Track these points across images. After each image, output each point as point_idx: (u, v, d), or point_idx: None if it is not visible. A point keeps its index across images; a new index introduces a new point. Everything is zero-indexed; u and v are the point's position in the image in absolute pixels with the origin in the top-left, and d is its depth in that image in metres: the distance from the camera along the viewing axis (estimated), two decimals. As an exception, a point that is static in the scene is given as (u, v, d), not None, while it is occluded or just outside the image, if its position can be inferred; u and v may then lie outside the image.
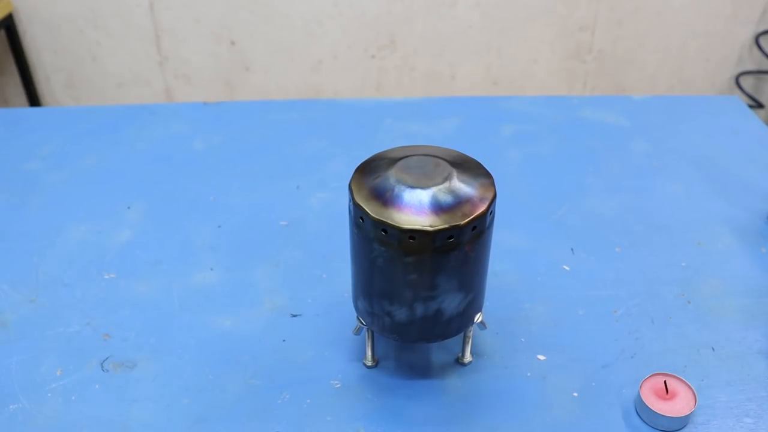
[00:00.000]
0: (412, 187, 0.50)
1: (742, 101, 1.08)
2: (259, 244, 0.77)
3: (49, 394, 0.59)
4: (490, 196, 0.51)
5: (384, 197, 0.50)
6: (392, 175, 0.51)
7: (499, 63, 2.06)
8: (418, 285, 0.51)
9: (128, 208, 0.82)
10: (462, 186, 0.50)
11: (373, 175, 0.52)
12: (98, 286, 0.71)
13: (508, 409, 0.58)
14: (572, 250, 0.76)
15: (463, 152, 0.55)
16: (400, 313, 0.54)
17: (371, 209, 0.49)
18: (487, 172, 0.53)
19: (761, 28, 2.04)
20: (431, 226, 0.48)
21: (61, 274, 0.72)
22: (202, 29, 1.96)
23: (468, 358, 0.62)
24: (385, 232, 0.49)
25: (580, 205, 0.84)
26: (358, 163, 0.55)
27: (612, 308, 0.68)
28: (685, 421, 0.56)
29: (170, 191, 0.86)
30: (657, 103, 1.07)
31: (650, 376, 0.59)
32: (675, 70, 2.12)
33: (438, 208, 0.49)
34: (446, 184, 0.50)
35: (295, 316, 0.67)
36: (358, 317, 0.59)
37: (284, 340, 0.64)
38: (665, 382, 0.58)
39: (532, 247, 0.77)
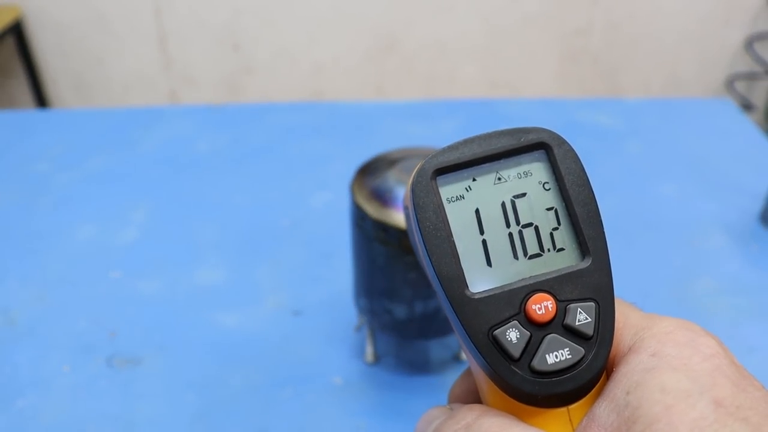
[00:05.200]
0: (411, 187, 0.50)
1: (734, 104, 1.09)
2: (263, 243, 0.78)
3: (56, 390, 0.60)
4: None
5: (384, 198, 0.50)
6: (393, 176, 0.52)
7: (497, 66, 2.08)
8: (418, 283, 0.52)
9: (134, 208, 0.84)
10: (459, 187, 0.51)
11: (373, 176, 0.53)
12: (105, 284, 0.72)
13: (505, 404, 0.59)
14: (568, 250, 0.77)
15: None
16: (400, 311, 0.55)
17: (372, 210, 0.50)
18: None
19: (752, 32, 2.05)
20: (429, 226, 0.49)
21: (68, 272, 0.73)
22: (206, 34, 1.97)
23: (466, 354, 0.63)
24: (386, 231, 0.50)
25: (576, 206, 0.85)
26: (359, 165, 0.56)
27: (606, 307, 0.69)
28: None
29: (175, 192, 0.87)
30: (651, 105, 1.09)
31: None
32: (668, 73, 2.13)
33: (436, 208, 0.49)
34: (444, 185, 0.51)
35: (297, 314, 0.68)
36: (358, 315, 0.59)
37: (286, 338, 0.65)
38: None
39: (528, 247, 0.78)
